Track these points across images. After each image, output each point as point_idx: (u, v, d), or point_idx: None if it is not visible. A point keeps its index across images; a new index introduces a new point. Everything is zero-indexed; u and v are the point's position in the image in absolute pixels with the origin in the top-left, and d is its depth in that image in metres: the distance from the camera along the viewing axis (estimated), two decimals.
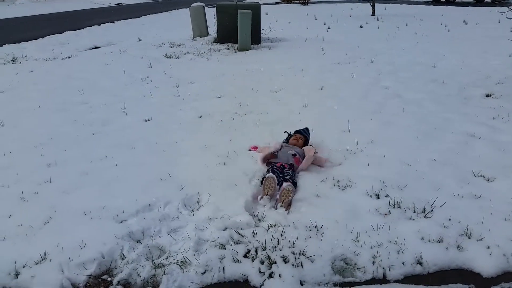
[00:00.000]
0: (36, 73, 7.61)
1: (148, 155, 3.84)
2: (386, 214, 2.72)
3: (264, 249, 2.40)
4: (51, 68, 8.01)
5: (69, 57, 9.08)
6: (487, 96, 5.58)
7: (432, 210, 2.73)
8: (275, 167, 3.31)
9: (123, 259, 2.41)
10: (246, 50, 9.37)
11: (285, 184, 2.96)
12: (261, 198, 2.97)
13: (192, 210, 2.91)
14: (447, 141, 3.98)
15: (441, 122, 4.54)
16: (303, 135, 3.89)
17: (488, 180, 3.18)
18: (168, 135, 4.35)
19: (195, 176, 3.36)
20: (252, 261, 2.32)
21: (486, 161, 3.51)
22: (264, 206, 2.91)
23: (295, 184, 3.13)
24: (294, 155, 3.48)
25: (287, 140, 3.88)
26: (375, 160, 3.58)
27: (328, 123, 4.58)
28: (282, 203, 2.89)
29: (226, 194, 3.04)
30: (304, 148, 3.65)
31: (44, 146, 4.13)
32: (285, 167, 3.31)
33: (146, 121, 4.89)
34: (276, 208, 2.89)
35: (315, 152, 3.53)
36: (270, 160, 3.50)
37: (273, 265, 2.27)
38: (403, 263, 2.28)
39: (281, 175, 3.20)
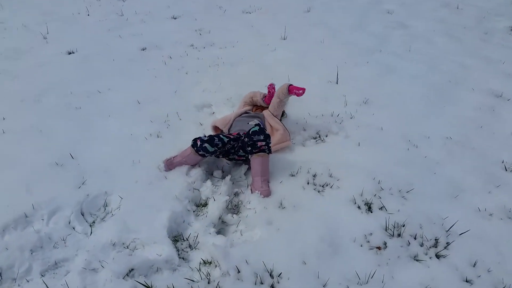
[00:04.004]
0: None
1: (55, 115, 2.76)
2: (379, 248, 1.80)
3: None
4: None
5: None
6: None
7: (448, 244, 1.81)
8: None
9: None
10: None
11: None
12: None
13: (91, 225, 1.94)
14: (466, 104, 2.97)
15: (457, 71, 3.46)
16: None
17: None
18: (93, 79, 3.23)
19: (109, 158, 2.33)
20: None
21: None
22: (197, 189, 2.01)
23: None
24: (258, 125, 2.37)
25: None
26: (369, 135, 2.59)
27: (311, 66, 3.47)
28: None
29: (146, 198, 2.04)
30: (264, 112, 2.61)
31: None
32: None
33: (69, 53, 3.68)
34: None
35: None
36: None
37: None
38: None
39: (247, 141, 2.19)
